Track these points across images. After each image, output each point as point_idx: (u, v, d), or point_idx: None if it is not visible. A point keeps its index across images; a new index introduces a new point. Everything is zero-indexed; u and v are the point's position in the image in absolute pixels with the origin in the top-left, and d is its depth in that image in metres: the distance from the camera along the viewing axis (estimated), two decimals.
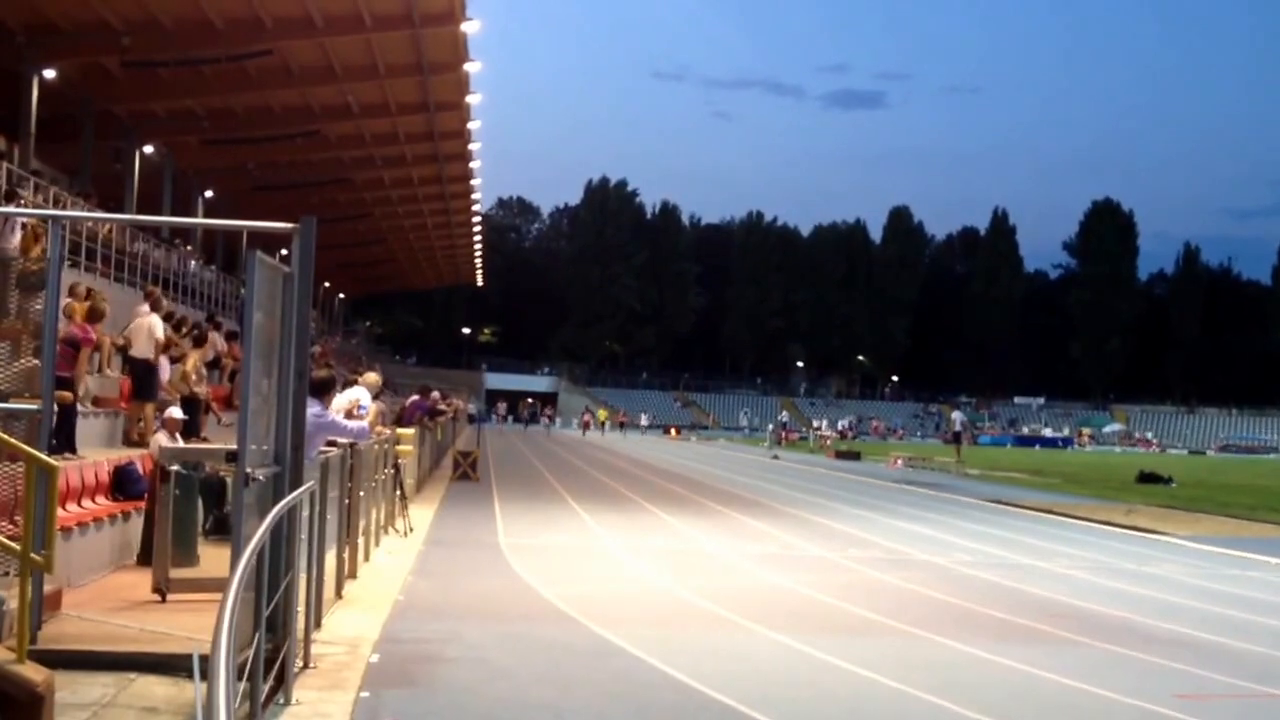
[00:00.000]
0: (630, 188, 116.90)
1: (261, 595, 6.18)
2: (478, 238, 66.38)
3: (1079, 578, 14.22)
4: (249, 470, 6.40)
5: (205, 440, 14.73)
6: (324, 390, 8.95)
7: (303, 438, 7.08)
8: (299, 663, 7.27)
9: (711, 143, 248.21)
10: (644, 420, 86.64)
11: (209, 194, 40.08)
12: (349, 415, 10.64)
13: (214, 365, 19.56)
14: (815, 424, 79.11)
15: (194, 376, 15.13)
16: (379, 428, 14.45)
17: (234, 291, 36.36)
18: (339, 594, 9.98)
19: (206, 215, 38.49)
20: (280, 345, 7.06)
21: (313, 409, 7.70)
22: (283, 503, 6.39)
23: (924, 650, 9.44)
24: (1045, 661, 9.03)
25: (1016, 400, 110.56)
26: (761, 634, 9.78)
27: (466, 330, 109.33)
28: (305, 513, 7.39)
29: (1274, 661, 9.66)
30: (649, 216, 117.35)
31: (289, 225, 7.08)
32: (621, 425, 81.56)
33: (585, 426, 69.82)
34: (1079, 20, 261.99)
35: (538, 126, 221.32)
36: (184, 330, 19.52)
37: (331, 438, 9.41)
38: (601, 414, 76.97)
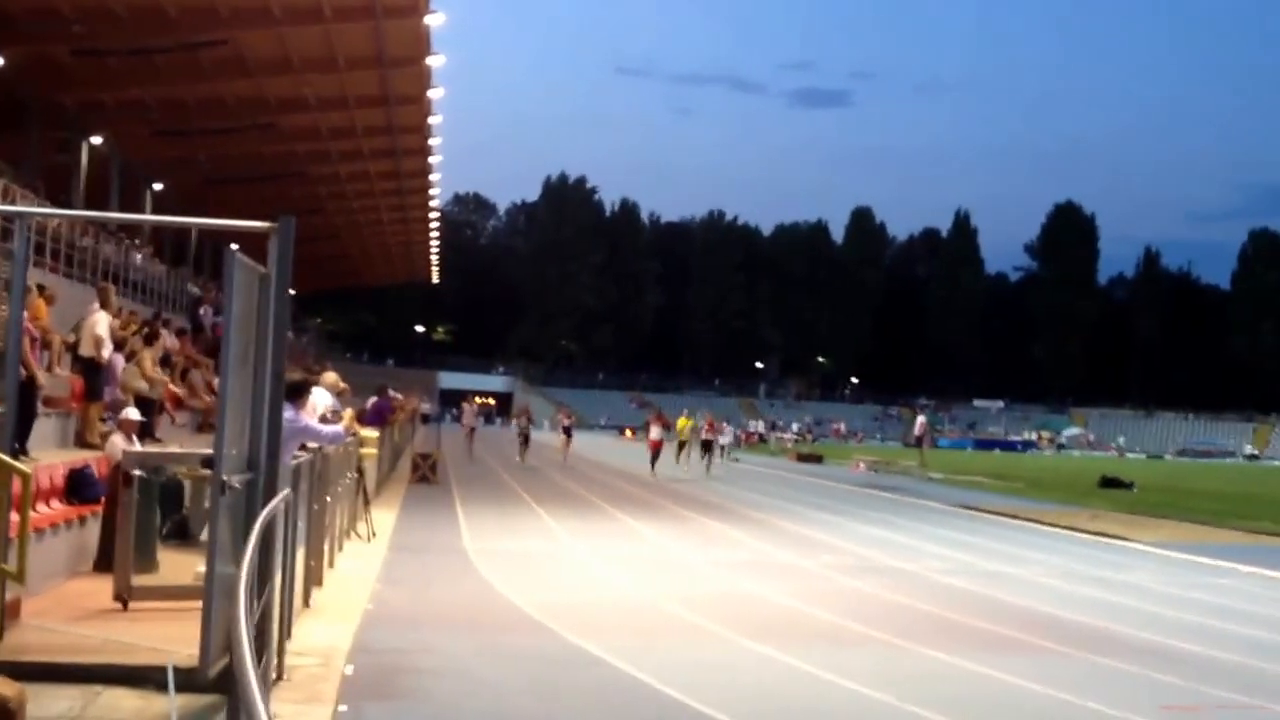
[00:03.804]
0: (589, 185, 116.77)
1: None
2: (434, 234, 65.83)
3: (1051, 585, 14.16)
4: (225, 477, 6.10)
5: (159, 442, 14.34)
6: (297, 394, 8.65)
7: (279, 443, 6.79)
8: (272, 675, 6.98)
9: (673, 140, 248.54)
10: (602, 421, 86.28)
11: (158, 187, 39.35)
12: (324, 420, 10.34)
13: (164, 363, 19.09)
14: (753, 428, 77.94)
15: (153, 375, 14.70)
16: (356, 431, 14.13)
17: (182, 287, 35.71)
18: (306, 603, 9.70)
19: (156, 209, 37.78)
20: (256, 347, 6.76)
21: (286, 413, 7.41)
22: (267, 510, 6.10)
23: (905, 660, 9.32)
24: (1028, 672, 8.93)
25: (976, 403, 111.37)
26: (741, 644, 9.61)
27: (421, 328, 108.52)
28: (280, 520, 7.10)
29: (1257, 672, 9.60)
30: (608, 214, 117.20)
31: (266, 224, 6.78)
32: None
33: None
34: (1044, 23, 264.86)
35: (495, 121, 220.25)
36: (134, 328, 19.03)
37: (306, 442, 9.11)
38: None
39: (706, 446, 34.63)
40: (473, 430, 38.72)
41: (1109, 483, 35.63)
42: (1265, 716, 8.20)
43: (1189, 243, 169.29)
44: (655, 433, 33.99)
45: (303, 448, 9.10)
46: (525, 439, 35.75)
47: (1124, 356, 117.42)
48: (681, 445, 35.10)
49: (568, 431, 38.20)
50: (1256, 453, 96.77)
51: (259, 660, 6.30)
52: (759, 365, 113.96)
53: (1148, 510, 26.17)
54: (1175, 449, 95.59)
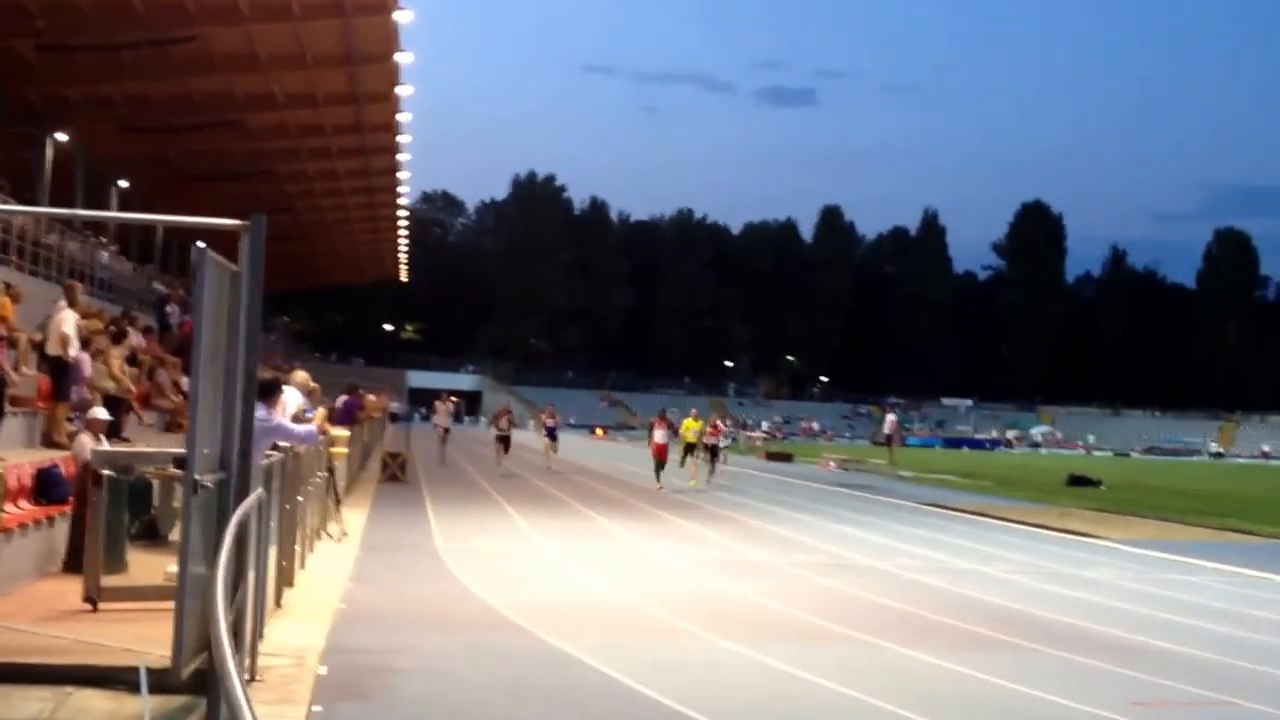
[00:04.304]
0: (558, 183, 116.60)
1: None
2: (403, 233, 65.55)
3: (1022, 582, 14.24)
4: (196, 477, 6.04)
5: (127, 441, 14.21)
6: (269, 393, 8.59)
7: (250, 443, 6.74)
8: (245, 675, 6.92)
9: (642, 138, 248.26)
10: (572, 420, 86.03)
11: (124, 184, 39.00)
12: (296, 419, 10.27)
13: (131, 362, 18.92)
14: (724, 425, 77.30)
15: (121, 374, 14.56)
16: (328, 431, 14.04)
17: (148, 285, 35.41)
18: (278, 603, 9.63)
19: (122, 206, 37.44)
20: (227, 346, 6.70)
21: (258, 413, 7.36)
22: (241, 509, 6.04)
23: (880, 658, 9.35)
24: (1000, 669, 8.99)
25: (945, 401, 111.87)
26: (716, 643, 9.61)
27: (389, 327, 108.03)
28: (253, 520, 7.04)
29: (1226, 668, 9.68)
30: (577, 212, 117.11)
31: (238, 222, 6.71)
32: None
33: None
34: (1011, 24, 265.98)
35: (464, 119, 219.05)
36: (100, 326, 18.84)
37: (278, 442, 9.04)
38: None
39: (711, 451, 30.30)
40: (446, 431, 35.40)
41: (1077, 480, 35.85)
42: (1235, 712, 8.27)
43: (1155, 242, 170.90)
44: (660, 436, 28.52)
45: (274, 447, 9.03)
46: (505, 443, 31.33)
47: (1091, 355, 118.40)
48: (689, 450, 29.82)
49: (552, 433, 33.81)
50: (1222, 450, 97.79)
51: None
52: (728, 364, 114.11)
53: (1115, 508, 26.39)
54: (1142, 447, 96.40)
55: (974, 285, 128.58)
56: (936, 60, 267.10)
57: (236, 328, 6.71)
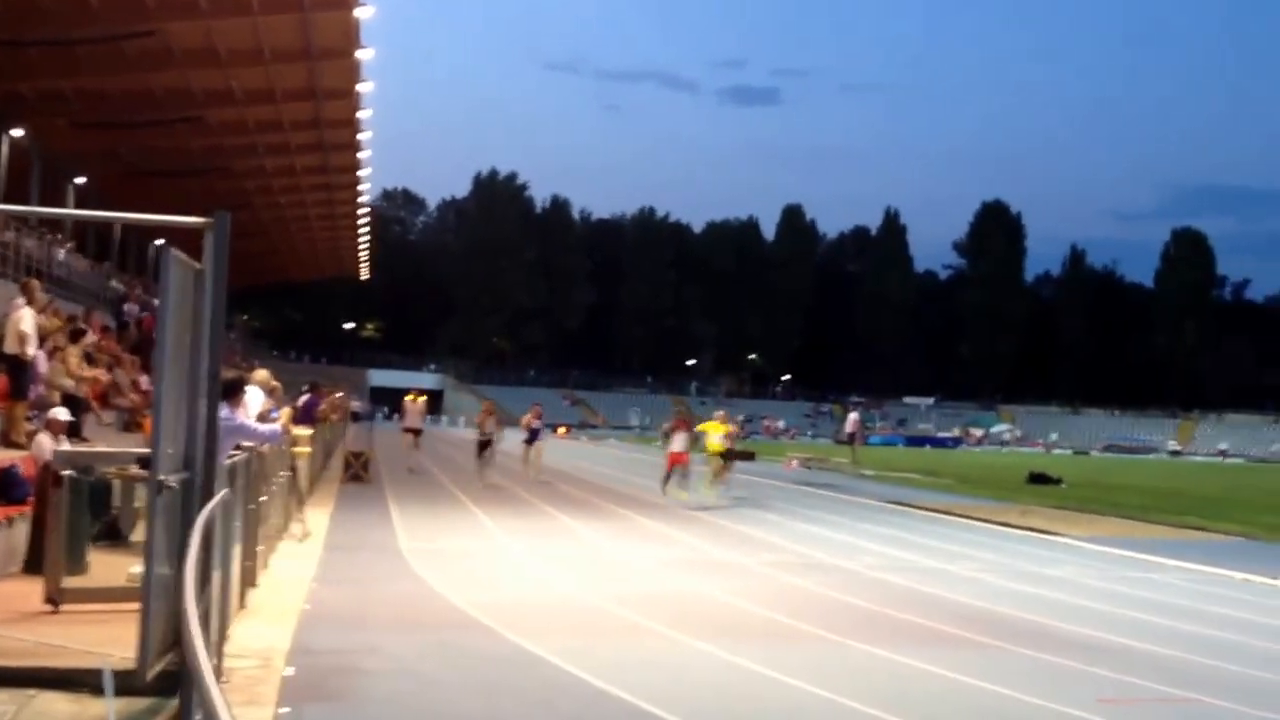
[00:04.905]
0: (520, 181, 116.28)
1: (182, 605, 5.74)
2: (363, 230, 65.17)
3: (986, 580, 14.31)
4: (161, 477, 5.95)
5: (86, 441, 14.02)
6: (233, 392, 8.48)
7: (215, 442, 6.64)
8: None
9: (603, 137, 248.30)
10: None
11: (80, 180, 38.53)
12: (262, 419, 10.16)
13: (88, 360, 18.69)
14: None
15: (79, 372, 14.37)
16: (289, 430, 13.90)
17: (105, 283, 35.01)
18: (242, 603, 9.52)
19: (78, 203, 36.99)
20: (191, 345, 6.61)
21: (222, 412, 7.26)
22: (208, 508, 5.96)
23: (847, 657, 9.37)
24: (967, 667, 9.02)
25: (906, 400, 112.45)
26: (684, 642, 9.58)
27: (349, 325, 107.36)
28: (219, 520, 6.95)
29: (1189, 665, 9.76)
30: (539, 210, 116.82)
31: (202, 220, 6.62)
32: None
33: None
34: (971, 24, 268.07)
35: (424, 115, 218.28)
36: (58, 324, 18.60)
37: (241, 442, 8.93)
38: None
39: (725, 456, 24.88)
40: (418, 434, 30.38)
41: (1037, 478, 36.08)
42: (1200, 708, 8.33)
43: (1114, 242, 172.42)
44: (679, 443, 23.58)
45: (238, 447, 8.93)
46: (488, 449, 26.64)
47: (1050, 354, 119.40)
48: (723, 458, 24.61)
49: (534, 436, 28.36)
50: (1180, 448, 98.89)
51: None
52: (690, 362, 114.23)
53: (1076, 506, 26.61)
54: (1101, 445, 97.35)
55: (935, 284, 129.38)
56: (898, 60, 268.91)
57: (200, 326, 6.62)
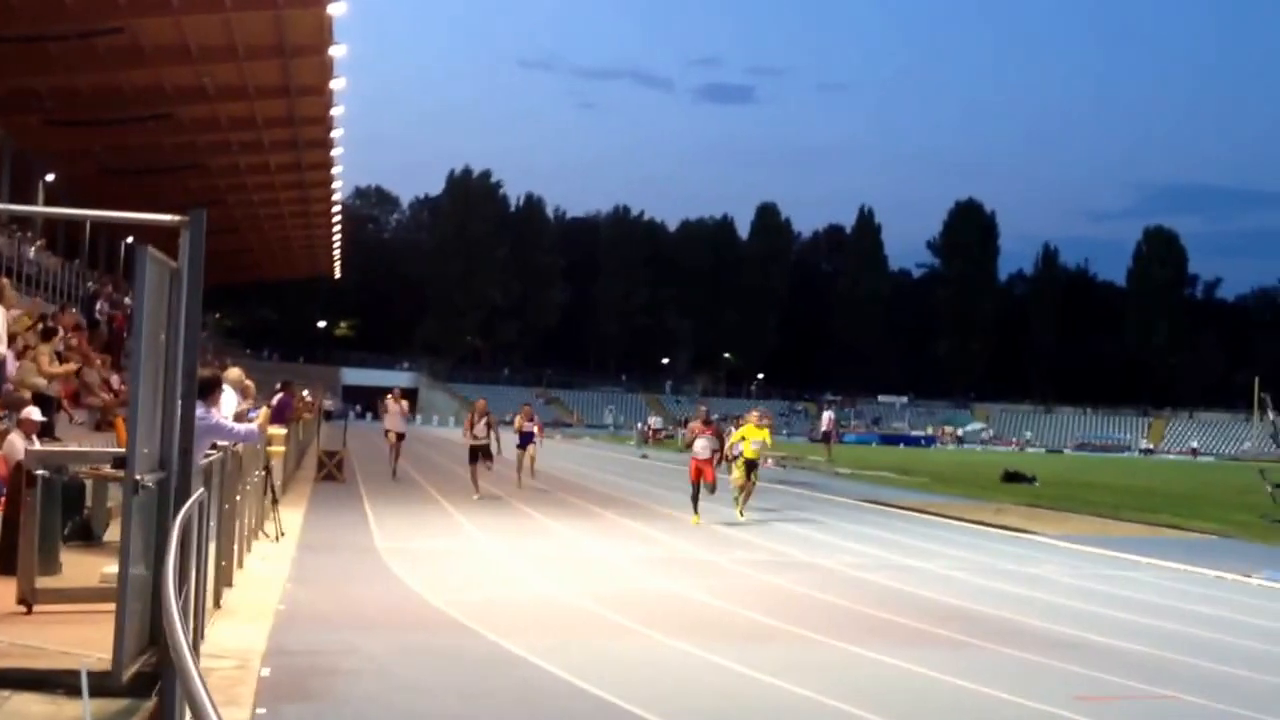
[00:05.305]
0: (494, 179, 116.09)
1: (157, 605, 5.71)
2: (337, 228, 64.95)
3: (962, 579, 14.36)
4: (138, 477, 5.89)
5: (58, 441, 13.90)
6: (208, 391, 8.41)
7: (191, 441, 6.59)
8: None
9: (578, 134, 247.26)
10: (508, 417, 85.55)
11: (51, 178, 38.23)
12: (240, 419, 10.08)
13: (59, 359, 18.53)
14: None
15: (50, 370, 14.24)
16: (272, 430, 13.82)
17: (75, 281, 34.74)
18: (217, 603, 9.46)
19: (48, 200, 36.71)
20: (167, 344, 6.55)
21: (197, 411, 7.18)
22: (185, 508, 5.91)
23: (824, 655, 9.38)
24: (944, 664, 9.04)
25: (881, 398, 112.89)
26: (662, 641, 9.57)
27: (323, 324, 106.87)
28: (196, 519, 6.90)
29: (1164, 662, 9.81)
30: (513, 209, 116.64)
31: (177, 218, 6.56)
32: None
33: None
34: (945, 23, 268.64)
35: (397, 113, 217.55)
36: (27, 322, 18.43)
37: (217, 441, 8.87)
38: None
39: (749, 468, 20.63)
40: (400, 437, 27.35)
41: (1011, 477, 36.26)
42: (1175, 705, 8.37)
43: (1087, 240, 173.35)
44: (703, 448, 19.71)
45: (214, 446, 8.86)
46: (485, 456, 22.85)
47: (1023, 352, 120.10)
48: (749, 468, 20.52)
49: (526, 440, 25.18)
50: (1151, 447, 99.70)
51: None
52: (665, 361, 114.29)
53: (1050, 504, 26.77)
54: (1073, 443, 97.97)
55: (909, 283, 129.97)
56: (873, 59, 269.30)
57: (176, 325, 6.56)
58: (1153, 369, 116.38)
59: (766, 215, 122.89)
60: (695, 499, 19.61)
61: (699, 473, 19.53)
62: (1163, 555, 17.45)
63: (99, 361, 21.17)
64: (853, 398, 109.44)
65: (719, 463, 20.01)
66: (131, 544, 5.89)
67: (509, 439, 24.61)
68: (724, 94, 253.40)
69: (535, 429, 25.66)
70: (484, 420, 23.21)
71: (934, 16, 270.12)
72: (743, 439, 20.55)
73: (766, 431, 21.19)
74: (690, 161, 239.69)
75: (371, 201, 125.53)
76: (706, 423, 20.49)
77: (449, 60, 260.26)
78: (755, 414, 22.13)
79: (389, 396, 28.32)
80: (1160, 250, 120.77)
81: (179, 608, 3.80)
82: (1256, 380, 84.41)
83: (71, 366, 17.20)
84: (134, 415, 6.07)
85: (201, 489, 7.09)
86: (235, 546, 11.09)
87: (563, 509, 21.46)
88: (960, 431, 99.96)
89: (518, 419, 25.84)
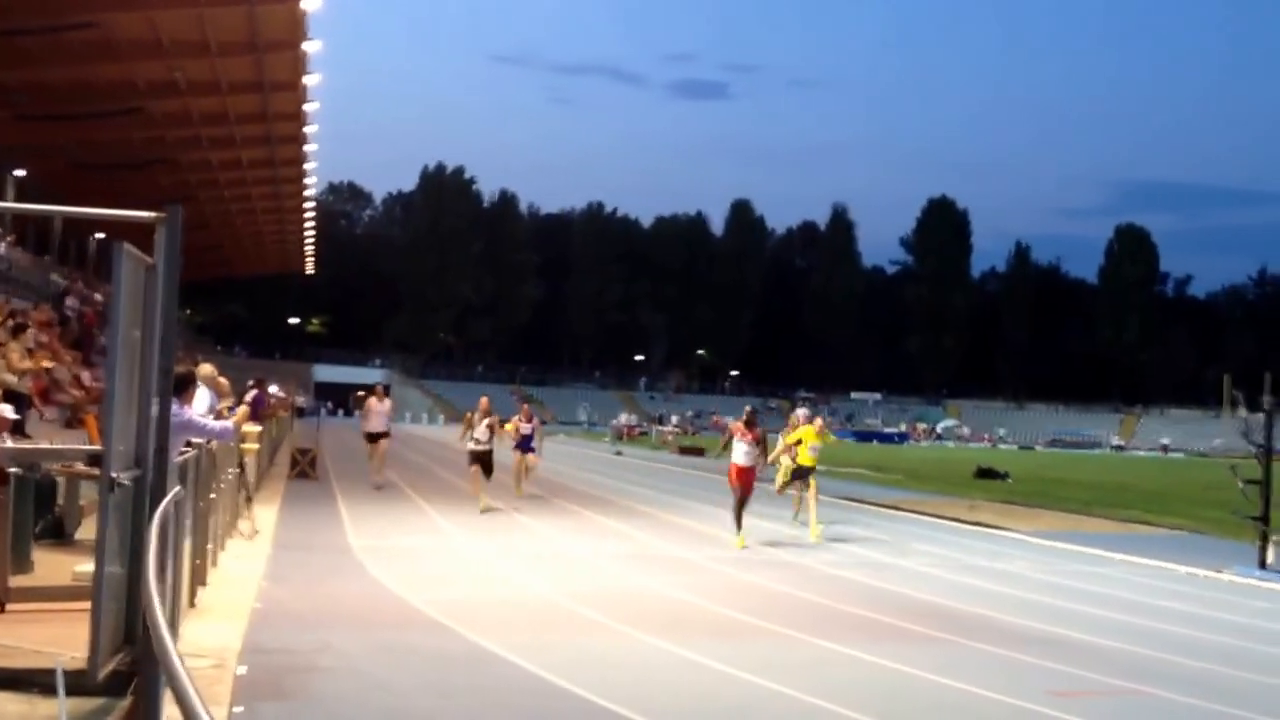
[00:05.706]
0: (467, 175, 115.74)
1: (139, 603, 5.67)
2: (309, 224, 64.61)
3: (937, 575, 14.43)
4: (114, 475, 5.84)
5: (30, 438, 13.76)
6: (182, 388, 8.34)
7: (167, 439, 6.54)
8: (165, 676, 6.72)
9: (552, 130, 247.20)
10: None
11: (21, 173, 37.89)
12: (218, 416, 10.02)
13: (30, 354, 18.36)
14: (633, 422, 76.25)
15: (21, 366, 14.10)
16: (246, 427, 13.72)
17: (46, 277, 34.47)
18: (192, 602, 9.39)
19: (18, 196, 36.39)
20: (142, 341, 6.50)
21: (172, 408, 7.13)
22: (162, 505, 5.86)
23: (800, 652, 9.39)
24: (919, 660, 9.07)
25: (854, 395, 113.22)
26: (639, 638, 9.56)
27: (294, 320, 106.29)
28: (172, 517, 6.85)
29: (1138, 657, 9.89)
30: (486, 205, 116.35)
31: (153, 214, 6.50)
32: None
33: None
34: (920, 20, 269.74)
35: (372, 108, 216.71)
36: None
37: (191, 438, 8.80)
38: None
39: (800, 475, 18.61)
40: (384, 436, 23.90)
41: (984, 473, 36.47)
42: (1148, 700, 8.43)
43: (1059, 238, 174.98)
44: (744, 454, 16.68)
45: (189, 443, 8.80)
46: (485, 463, 19.93)
47: (996, 349, 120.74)
48: (799, 476, 18.63)
49: (525, 444, 22.43)
50: (1122, 443, 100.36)
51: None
52: (639, 358, 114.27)
53: (1023, 500, 26.94)
54: (1045, 440, 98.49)
55: (882, 280, 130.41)
56: (847, 56, 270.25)
57: (151, 322, 6.51)
58: (1124, 366, 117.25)
59: (740, 212, 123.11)
60: (739, 515, 16.42)
61: (744, 485, 16.46)
62: (1135, 551, 17.59)
63: (69, 358, 20.98)
64: (826, 394, 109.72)
65: (762, 469, 17.36)
66: (107, 542, 5.85)
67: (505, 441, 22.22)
68: (698, 90, 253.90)
69: (534, 430, 22.71)
70: (485, 422, 20.18)
71: (907, 14, 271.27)
72: (798, 442, 18.15)
73: (818, 435, 18.40)
74: (664, 158, 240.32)
75: (344, 197, 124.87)
76: (750, 424, 16.77)
77: (423, 56, 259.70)
78: (803, 411, 20.10)
79: (372, 395, 24.52)
80: (1132, 248, 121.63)
81: (162, 606, 3.76)
82: (1227, 377, 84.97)
83: (45, 363, 17.05)
84: (110, 413, 6.02)
85: (179, 486, 7.05)
86: (210, 545, 11.02)
87: (539, 506, 21.41)
88: (939, 428, 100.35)
89: (514, 421, 22.45)
